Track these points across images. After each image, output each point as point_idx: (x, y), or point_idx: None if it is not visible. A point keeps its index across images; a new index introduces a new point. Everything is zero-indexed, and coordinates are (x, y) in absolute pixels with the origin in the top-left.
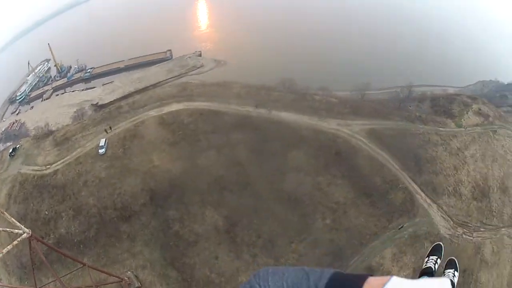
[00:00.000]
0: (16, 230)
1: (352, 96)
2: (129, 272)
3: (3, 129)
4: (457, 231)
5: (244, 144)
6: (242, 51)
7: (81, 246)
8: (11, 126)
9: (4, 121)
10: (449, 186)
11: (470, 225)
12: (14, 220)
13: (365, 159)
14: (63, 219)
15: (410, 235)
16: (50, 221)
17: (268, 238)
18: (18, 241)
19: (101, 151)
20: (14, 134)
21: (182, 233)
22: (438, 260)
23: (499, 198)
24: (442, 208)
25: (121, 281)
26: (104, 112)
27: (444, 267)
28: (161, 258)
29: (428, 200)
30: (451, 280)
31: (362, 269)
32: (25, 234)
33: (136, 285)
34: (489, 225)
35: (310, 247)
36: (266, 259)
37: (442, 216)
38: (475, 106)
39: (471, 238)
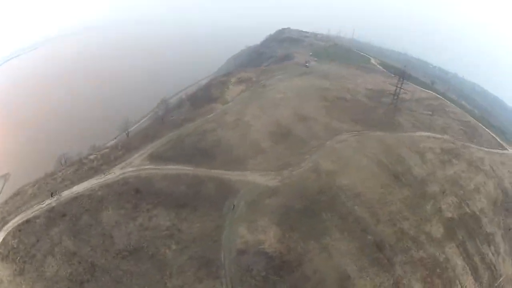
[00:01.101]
0: None
1: (119, 140)
2: None
3: None
4: (284, 174)
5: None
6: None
7: None
8: None
9: None
10: (248, 151)
11: (292, 162)
12: None
13: (162, 180)
14: None
15: (247, 204)
16: None
17: None
18: None
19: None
20: None
21: None
22: None
23: (304, 125)
24: (255, 169)
25: None
26: None
27: None
28: None
29: (239, 173)
30: None
31: (235, 257)
32: None
33: None
34: (312, 148)
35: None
36: None
37: (261, 175)
38: (233, 79)
39: (302, 168)
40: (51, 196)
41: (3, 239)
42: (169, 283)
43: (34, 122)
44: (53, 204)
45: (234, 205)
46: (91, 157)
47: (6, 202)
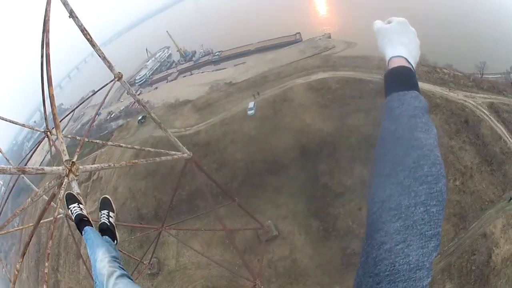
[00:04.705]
0: (176, 153)
1: (473, 73)
2: (268, 221)
3: (122, 108)
4: None
5: None
6: (369, 32)
7: (220, 197)
8: (132, 105)
9: (121, 101)
10: None
11: None
12: (177, 140)
13: (487, 129)
14: None
15: None
16: (187, 174)
17: None
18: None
19: (250, 112)
20: (137, 111)
21: (331, 185)
22: (111, 214)
23: None
24: None
25: (260, 229)
26: (249, 81)
27: (99, 208)
28: (305, 209)
29: None
30: (107, 222)
31: (479, 235)
32: (185, 155)
33: (274, 233)
34: None
35: None
36: None
37: None
38: None
39: None
40: None
41: (322, 78)
42: None
43: None
44: None
45: (511, 199)
46: (445, 71)
47: (344, 57)
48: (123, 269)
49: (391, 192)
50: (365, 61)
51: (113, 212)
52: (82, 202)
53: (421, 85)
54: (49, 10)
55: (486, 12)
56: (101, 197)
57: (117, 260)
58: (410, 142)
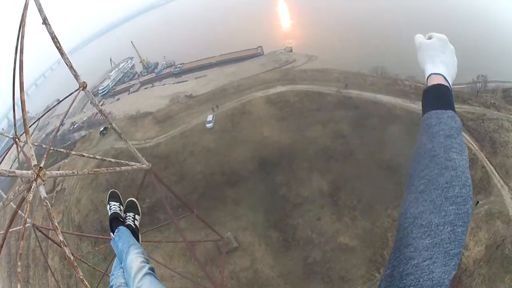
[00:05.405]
0: (136, 164)
1: None
2: (228, 233)
3: (85, 119)
4: None
5: (346, 119)
6: (330, 45)
7: (180, 209)
8: (95, 116)
9: (85, 112)
10: None
11: None
12: (136, 151)
13: None
14: None
15: (486, 212)
16: (148, 187)
17: (367, 202)
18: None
19: (209, 125)
20: (99, 122)
21: (289, 196)
22: (137, 216)
23: None
24: None
25: (220, 240)
26: (209, 94)
27: (124, 210)
28: (264, 220)
29: (501, 181)
30: (133, 224)
31: None
32: (145, 166)
33: (234, 245)
34: None
35: None
36: (364, 222)
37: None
38: None
39: None
40: (346, 87)
41: (281, 91)
42: (389, 210)
43: None
44: (352, 95)
45: (478, 202)
46: (407, 83)
47: (304, 71)
48: (152, 268)
49: (423, 209)
50: (324, 74)
51: (139, 215)
52: (123, 205)
53: (381, 97)
54: (26, 16)
55: (452, 21)
56: (128, 200)
57: (147, 259)
58: (445, 162)
